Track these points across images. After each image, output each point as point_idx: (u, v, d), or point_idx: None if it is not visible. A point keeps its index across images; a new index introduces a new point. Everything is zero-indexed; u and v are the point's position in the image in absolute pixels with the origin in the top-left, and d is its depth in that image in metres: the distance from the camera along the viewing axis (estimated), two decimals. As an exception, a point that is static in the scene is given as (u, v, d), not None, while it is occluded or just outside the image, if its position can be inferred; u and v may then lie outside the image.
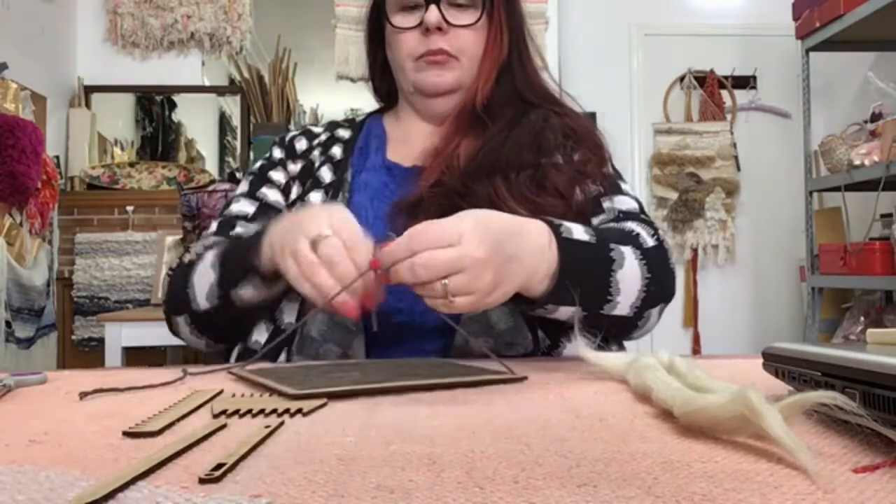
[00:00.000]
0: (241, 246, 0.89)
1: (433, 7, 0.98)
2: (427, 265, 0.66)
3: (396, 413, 0.53)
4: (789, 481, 0.36)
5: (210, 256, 0.92)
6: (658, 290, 0.86)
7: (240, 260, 0.87)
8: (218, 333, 0.97)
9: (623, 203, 0.97)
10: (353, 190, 1.01)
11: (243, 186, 1.07)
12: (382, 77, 1.12)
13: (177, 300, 0.95)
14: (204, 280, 0.91)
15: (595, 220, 0.95)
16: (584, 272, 0.78)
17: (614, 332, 0.88)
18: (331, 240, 0.74)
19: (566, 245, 0.78)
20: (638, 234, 0.87)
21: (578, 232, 0.81)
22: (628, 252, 0.83)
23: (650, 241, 0.87)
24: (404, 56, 1.02)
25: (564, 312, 0.80)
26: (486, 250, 0.68)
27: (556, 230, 0.78)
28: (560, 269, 0.76)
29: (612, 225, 0.90)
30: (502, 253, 0.70)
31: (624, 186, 1.01)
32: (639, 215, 0.96)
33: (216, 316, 0.91)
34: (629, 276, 0.82)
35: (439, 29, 0.99)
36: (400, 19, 1.01)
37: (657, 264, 0.85)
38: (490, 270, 0.69)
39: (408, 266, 0.67)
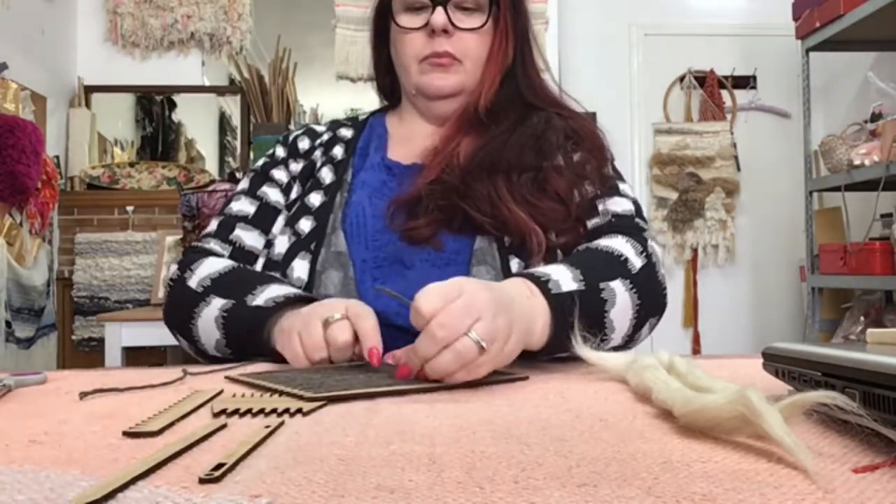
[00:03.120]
0: (248, 322, 0.86)
1: (440, 9, 0.98)
2: (446, 324, 0.61)
3: (396, 413, 0.53)
4: (789, 481, 0.36)
5: (215, 308, 0.88)
6: (648, 311, 0.87)
7: (248, 340, 0.86)
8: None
9: (618, 205, 0.96)
10: (353, 189, 1.01)
11: (244, 184, 1.07)
12: (387, 75, 1.12)
13: (182, 330, 0.93)
14: (210, 333, 0.89)
15: (589, 224, 0.96)
16: (578, 321, 0.74)
17: None
18: (341, 322, 0.75)
19: (556, 300, 0.76)
20: (626, 259, 0.86)
21: (566, 282, 0.78)
22: (618, 286, 0.83)
23: (638, 263, 0.86)
24: (409, 57, 1.01)
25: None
26: (487, 293, 0.65)
27: (543, 287, 0.76)
28: (554, 325, 0.74)
29: (599, 246, 0.88)
30: (499, 299, 0.66)
31: (622, 187, 1.00)
32: (632, 219, 0.95)
33: (226, 360, 0.90)
34: (621, 311, 0.82)
35: (445, 31, 0.98)
36: (406, 19, 1.01)
37: (646, 287, 0.86)
38: (502, 312, 0.65)
39: (430, 337, 0.62)
